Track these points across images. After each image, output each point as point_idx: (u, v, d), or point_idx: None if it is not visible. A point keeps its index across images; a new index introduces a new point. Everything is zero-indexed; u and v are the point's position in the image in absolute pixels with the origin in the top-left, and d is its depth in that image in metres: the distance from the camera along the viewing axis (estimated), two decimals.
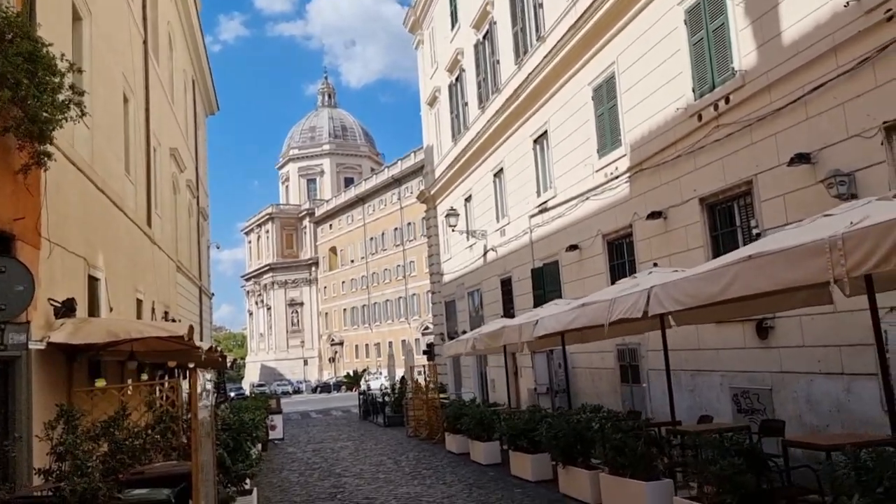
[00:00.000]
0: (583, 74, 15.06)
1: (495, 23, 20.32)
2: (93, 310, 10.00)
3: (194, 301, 24.21)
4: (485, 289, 21.88)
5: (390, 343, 65.63)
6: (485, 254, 21.66)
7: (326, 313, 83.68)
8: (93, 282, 10.04)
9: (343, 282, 79.78)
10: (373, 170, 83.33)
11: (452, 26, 24.57)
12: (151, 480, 6.63)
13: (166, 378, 12.80)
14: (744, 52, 10.07)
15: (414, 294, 64.00)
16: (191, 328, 8.41)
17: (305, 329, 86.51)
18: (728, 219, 10.76)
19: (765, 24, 9.64)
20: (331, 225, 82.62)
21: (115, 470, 6.44)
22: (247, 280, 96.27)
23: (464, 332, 20.66)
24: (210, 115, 32.46)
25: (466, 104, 23.46)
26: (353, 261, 77.47)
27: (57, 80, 6.84)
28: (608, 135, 14.02)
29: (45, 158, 7.09)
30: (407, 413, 20.41)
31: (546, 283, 16.95)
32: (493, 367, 20.93)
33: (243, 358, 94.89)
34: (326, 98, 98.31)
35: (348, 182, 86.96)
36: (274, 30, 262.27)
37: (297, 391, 65.02)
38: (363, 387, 41.13)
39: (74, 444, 6.17)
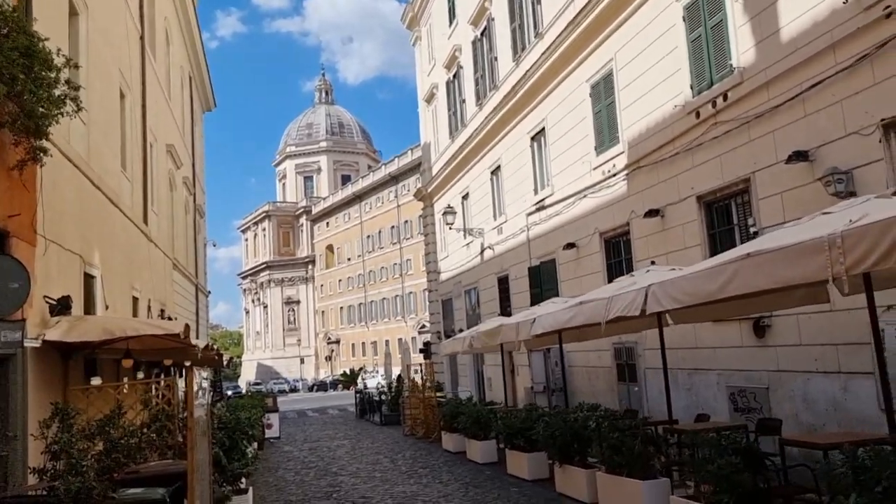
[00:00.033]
0: (581, 71, 15.03)
1: (493, 19, 20.29)
2: (89, 307, 9.95)
3: (190, 299, 24.16)
4: (481, 287, 21.87)
5: (387, 341, 65.59)
6: (482, 252, 21.65)
7: (323, 311, 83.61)
8: (89, 279, 9.99)
9: (340, 280, 79.71)
10: (370, 167, 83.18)
11: (450, 23, 24.53)
12: (147, 479, 6.60)
13: (162, 376, 12.75)
14: (742, 49, 10.05)
15: (410, 292, 63.94)
16: (187, 326, 8.36)
17: (302, 327, 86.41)
18: (725, 217, 10.76)
19: (763, 21, 9.63)
20: (328, 223, 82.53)
21: (110, 469, 6.40)
22: (243, 278, 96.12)
23: (460, 331, 20.65)
24: (207, 111, 32.38)
25: (464, 101, 23.43)
26: (349, 259, 77.39)
27: (53, 75, 6.79)
28: (606, 132, 14.01)
29: (41, 154, 7.04)
30: (403, 412, 20.39)
31: (543, 282, 16.93)
32: (489, 366, 20.92)
33: (240, 356, 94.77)
34: (324, 95, 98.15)
35: (345, 179, 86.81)
36: (271, 26, 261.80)
37: (294, 390, 64.95)
38: (360, 385, 41.11)
39: (69, 443, 6.14)
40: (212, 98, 31.62)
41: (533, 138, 17.86)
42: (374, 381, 42.44)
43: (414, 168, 57.66)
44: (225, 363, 21.67)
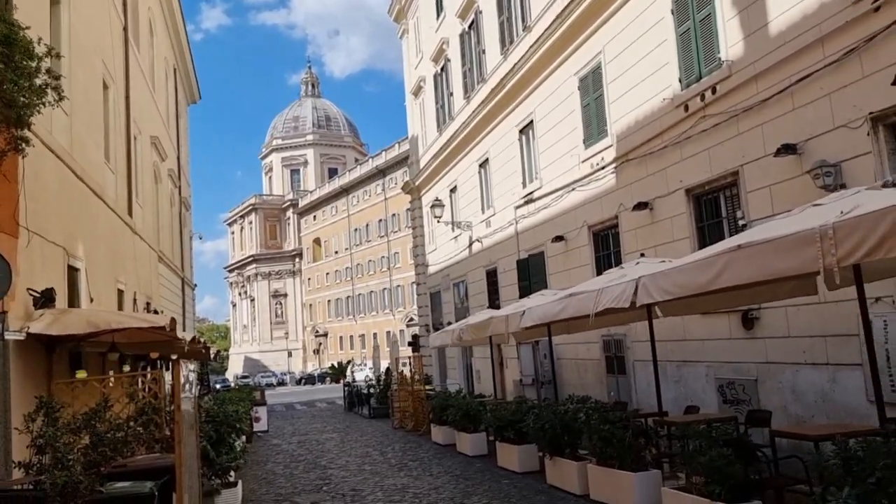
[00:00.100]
0: (569, 64, 15.00)
1: (481, 12, 20.21)
2: (73, 300, 9.84)
3: (177, 292, 23.98)
4: (470, 280, 21.85)
5: (375, 334, 65.54)
6: (470, 245, 21.62)
7: (311, 305, 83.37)
8: (73, 272, 9.87)
9: (327, 273, 79.49)
10: (357, 160, 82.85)
11: (438, 15, 24.40)
12: (134, 473, 6.54)
13: (149, 369, 12.64)
14: (731, 42, 10.05)
15: (398, 285, 63.88)
16: (173, 320, 8.28)
17: (289, 320, 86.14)
18: (714, 210, 10.78)
19: (752, 14, 9.62)
20: (315, 216, 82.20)
21: (96, 463, 6.33)
22: (230, 271, 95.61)
23: (449, 324, 20.63)
24: (192, 103, 32.07)
25: (452, 94, 23.34)
26: (337, 252, 77.17)
27: (34, 64, 6.66)
28: (594, 125, 13.99)
29: (23, 144, 6.91)
30: (392, 404, 20.37)
31: (532, 275, 16.93)
32: (478, 359, 20.93)
33: (227, 350, 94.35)
34: (310, 88, 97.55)
35: (332, 173, 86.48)
36: (256, 18, 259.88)
37: (282, 383, 64.79)
38: (348, 378, 41.05)
39: (55, 437, 6.06)
40: (197, 90, 31.33)
41: (521, 131, 17.82)
42: (362, 374, 42.41)
43: (401, 161, 57.51)
44: (212, 356, 21.50)
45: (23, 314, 7.47)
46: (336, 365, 62.26)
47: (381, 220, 67.58)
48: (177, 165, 24.91)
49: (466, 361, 22.64)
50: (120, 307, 13.27)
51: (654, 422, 9.03)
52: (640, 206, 12.11)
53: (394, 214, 64.76)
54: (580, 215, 14.53)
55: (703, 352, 10.85)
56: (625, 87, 12.79)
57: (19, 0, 7.62)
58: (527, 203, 17.24)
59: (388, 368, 24.90)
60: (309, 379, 64.09)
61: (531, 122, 17.10)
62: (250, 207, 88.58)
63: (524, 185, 17.57)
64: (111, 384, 8.66)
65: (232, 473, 9.50)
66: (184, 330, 18.91)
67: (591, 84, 14.07)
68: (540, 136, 16.58)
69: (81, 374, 8.59)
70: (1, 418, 6.78)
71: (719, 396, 10.42)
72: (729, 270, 5.70)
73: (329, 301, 78.99)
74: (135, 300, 14.92)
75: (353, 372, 49.31)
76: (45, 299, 7.93)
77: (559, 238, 15.30)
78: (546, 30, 15.29)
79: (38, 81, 6.69)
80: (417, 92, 27.58)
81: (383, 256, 67.09)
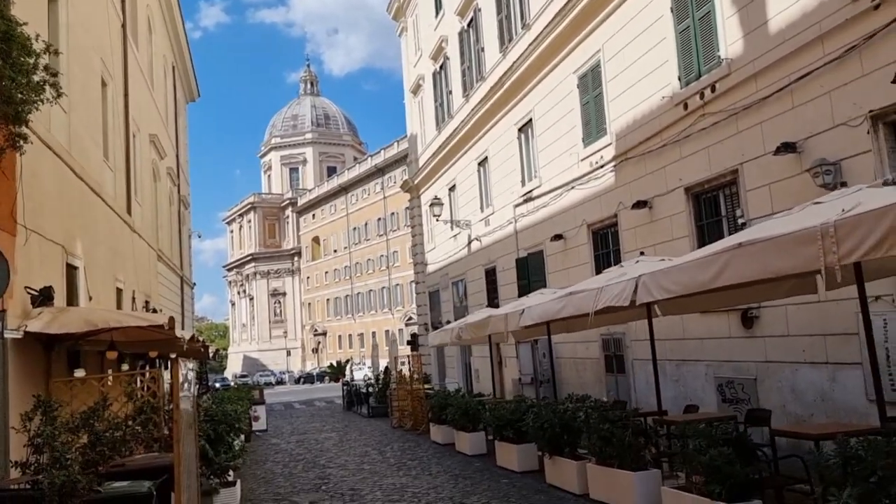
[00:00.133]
0: (568, 62, 14.98)
1: (480, 10, 20.17)
2: (71, 299, 9.80)
3: (175, 291, 23.94)
4: (469, 279, 21.83)
5: (374, 333, 65.51)
6: (469, 244, 21.60)
7: (309, 303, 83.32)
8: (71, 270, 9.83)
9: (326, 272, 79.43)
10: (356, 159, 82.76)
11: (437, 13, 24.37)
12: (132, 473, 6.50)
13: (147, 368, 12.61)
14: (730, 40, 10.03)
15: (397, 284, 63.84)
16: (171, 319, 8.25)
17: (288, 319, 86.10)
18: (713, 208, 10.76)
19: (751, 12, 9.61)
20: (314, 214, 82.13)
21: (94, 462, 6.29)
22: (229, 270, 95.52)
23: (448, 323, 20.62)
24: (191, 101, 32.02)
25: (450, 92, 23.31)
26: (336, 251, 77.10)
27: (32, 60, 6.62)
28: (593, 123, 13.97)
29: (21, 141, 6.87)
30: (391, 404, 20.34)
31: (531, 273, 16.92)
32: (477, 358, 20.91)
33: (226, 349, 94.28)
34: (309, 86, 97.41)
35: (331, 171, 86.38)
36: (255, 16, 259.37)
37: (281, 382, 64.78)
38: (347, 377, 41.01)
39: (53, 436, 6.03)
40: (195, 88, 31.27)
41: (520, 130, 17.80)
42: (361, 373, 42.38)
43: (400, 160, 57.45)
44: (211, 355, 21.49)
45: (21, 313, 7.44)
46: (335, 364, 62.22)
47: (379, 219, 67.54)
48: (176, 163, 24.87)
49: (465, 360, 22.63)
50: (119, 306, 13.24)
51: (653, 421, 9.01)
52: (640, 204, 12.10)
53: (393, 213, 64.71)
54: (579, 214, 14.52)
55: (702, 351, 10.84)
56: (624, 86, 12.77)
57: None
58: (526, 201, 17.22)
59: (386, 367, 24.85)
60: (308, 378, 64.10)
61: (530, 120, 17.07)
62: (249, 206, 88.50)
63: (523, 184, 17.55)
64: (109, 383, 8.64)
65: (231, 473, 9.47)
66: (182, 329, 18.87)
67: (591, 82, 14.05)
68: (539, 134, 16.55)
69: (80, 373, 8.57)
70: None
71: (719, 395, 10.41)
72: (730, 268, 5.68)
73: (328, 300, 78.95)
74: (133, 299, 14.89)
75: (351, 371, 49.26)
76: (43, 298, 7.90)
77: (558, 237, 15.28)
78: (545, 27, 15.27)
79: (35, 78, 6.65)
80: (416, 90, 27.55)
81: (382, 255, 67.05)
